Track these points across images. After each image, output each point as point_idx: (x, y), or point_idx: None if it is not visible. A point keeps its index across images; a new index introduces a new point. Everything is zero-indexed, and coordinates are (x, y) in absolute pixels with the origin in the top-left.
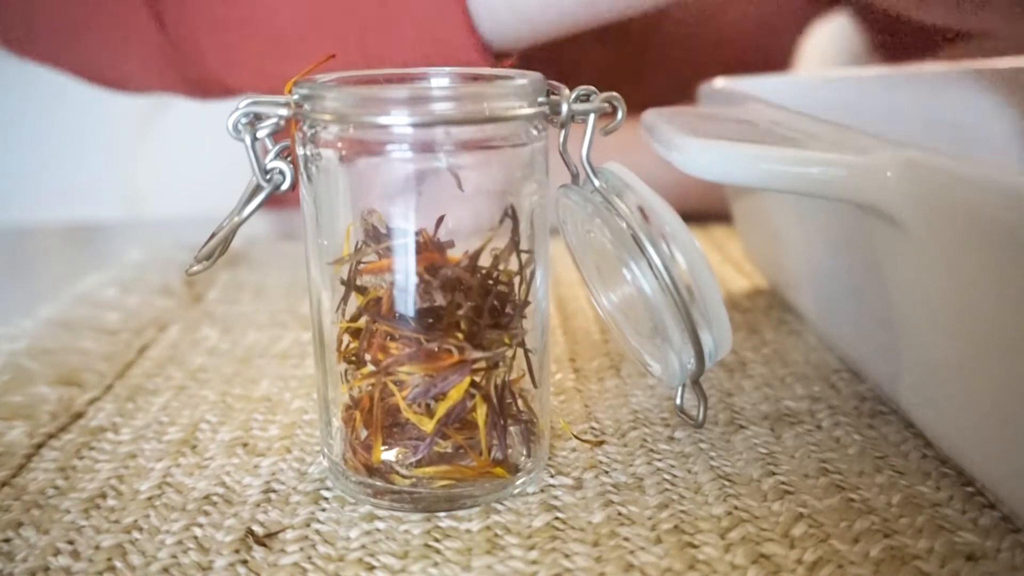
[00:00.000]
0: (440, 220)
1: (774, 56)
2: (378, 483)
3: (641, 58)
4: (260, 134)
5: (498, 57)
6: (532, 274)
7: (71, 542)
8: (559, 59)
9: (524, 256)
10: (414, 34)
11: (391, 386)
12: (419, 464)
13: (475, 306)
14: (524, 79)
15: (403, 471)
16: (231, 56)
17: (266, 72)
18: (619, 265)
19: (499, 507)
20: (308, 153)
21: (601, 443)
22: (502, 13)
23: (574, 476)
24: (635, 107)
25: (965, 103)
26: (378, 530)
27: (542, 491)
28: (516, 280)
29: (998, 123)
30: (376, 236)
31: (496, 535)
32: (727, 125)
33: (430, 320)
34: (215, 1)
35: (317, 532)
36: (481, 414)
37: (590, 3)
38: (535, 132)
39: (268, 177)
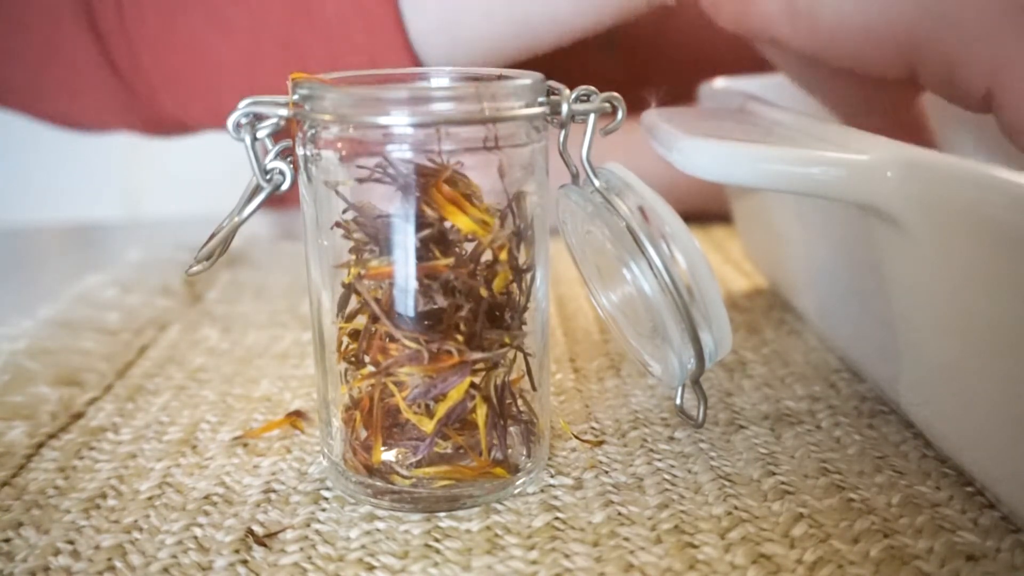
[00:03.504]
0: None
1: None
2: (378, 483)
3: (646, 64)
4: (260, 134)
5: None
6: (532, 275)
7: (71, 542)
8: (562, 61)
9: (524, 258)
10: (357, 68)
11: (391, 387)
12: (419, 464)
13: (474, 308)
14: (525, 79)
15: (403, 471)
16: (185, 96)
17: (223, 107)
18: (619, 265)
19: (499, 507)
20: (308, 153)
21: (601, 443)
22: (441, 43)
23: (574, 476)
24: (636, 108)
25: None
26: (378, 530)
27: (542, 491)
28: (515, 281)
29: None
30: (365, 227)
31: (496, 535)
32: (727, 125)
33: (430, 321)
34: (165, 46)
35: (317, 532)
36: (481, 414)
37: (522, 34)
38: (535, 132)
39: (268, 177)
